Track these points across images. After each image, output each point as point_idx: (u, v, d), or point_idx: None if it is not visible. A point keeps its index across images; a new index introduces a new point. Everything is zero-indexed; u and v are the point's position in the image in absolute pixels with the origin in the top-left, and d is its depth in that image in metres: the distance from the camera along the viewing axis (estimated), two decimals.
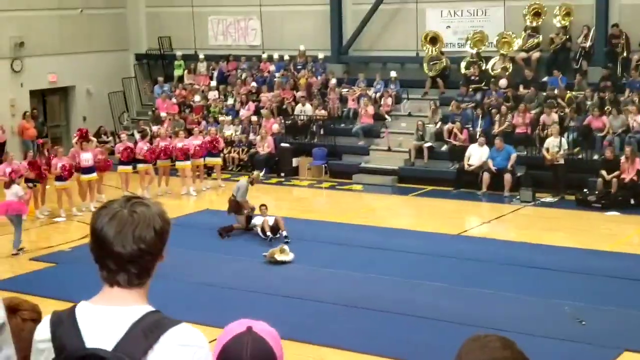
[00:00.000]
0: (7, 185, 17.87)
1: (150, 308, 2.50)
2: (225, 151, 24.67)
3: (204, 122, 25.96)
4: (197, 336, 2.48)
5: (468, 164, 21.76)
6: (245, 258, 16.32)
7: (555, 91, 22.81)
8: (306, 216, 19.44)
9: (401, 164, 23.38)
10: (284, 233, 17.18)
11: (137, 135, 23.99)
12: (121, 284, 2.48)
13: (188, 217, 19.58)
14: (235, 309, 13.00)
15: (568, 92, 22.59)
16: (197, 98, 27.57)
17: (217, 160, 23.39)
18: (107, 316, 2.46)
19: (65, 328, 2.47)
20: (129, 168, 21.98)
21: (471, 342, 2.22)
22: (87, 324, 2.46)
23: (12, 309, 3.07)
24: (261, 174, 20.98)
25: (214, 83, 28.14)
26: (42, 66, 27.11)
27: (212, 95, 27.66)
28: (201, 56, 29.00)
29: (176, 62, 29.42)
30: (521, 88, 23.65)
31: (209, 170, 23.76)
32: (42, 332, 2.54)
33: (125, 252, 2.43)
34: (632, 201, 19.68)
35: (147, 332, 2.41)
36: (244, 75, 27.77)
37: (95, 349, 2.40)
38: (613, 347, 11.60)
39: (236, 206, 18.18)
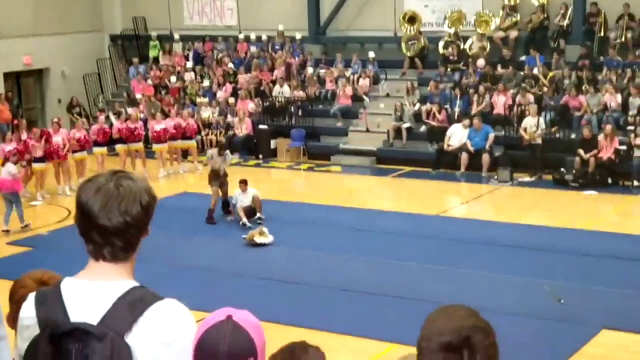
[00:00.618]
0: (2, 163, 18.28)
1: (136, 283, 2.49)
2: (202, 133, 24.56)
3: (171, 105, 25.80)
4: (182, 311, 2.48)
5: (448, 144, 21.76)
6: (225, 240, 16.25)
7: (535, 70, 22.80)
8: (285, 198, 19.39)
9: (380, 145, 23.36)
10: (258, 214, 17.10)
11: (113, 117, 23.84)
12: (107, 257, 2.47)
13: (166, 199, 19.44)
14: (215, 292, 12.97)
15: (550, 71, 22.55)
16: (173, 79, 27.37)
17: (192, 143, 23.28)
18: (92, 291, 2.45)
19: (50, 304, 2.47)
20: (104, 150, 21.93)
21: (437, 312, 2.28)
22: (72, 299, 2.45)
23: (44, 283, 3.37)
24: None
25: (189, 64, 27.94)
26: (16, 48, 26.79)
27: (188, 76, 27.46)
28: (176, 37, 28.78)
29: (151, 43, 29.18)
30: (499, 67, 23.65)
31: (185, 153, 23.68)
32: (27, 309, 2.53)
33: (111, 225, 2.42)
34: (610, 180, 19.78)
35: (132, 306, 2.41)
36: (220, 56, 27.60)
37: (80, 324, 2.38)
38: (592, 325, 11.66)
39: (209, 174, 17.90)
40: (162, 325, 2.41)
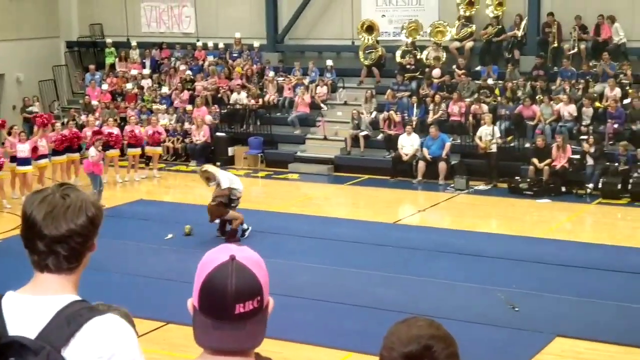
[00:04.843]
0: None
1: (77, 297, 2.47)
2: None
3: (129, 111, 25.64)
4: (121, 326, 2.47)
5: (404, 153, 21.91)
6: (181, 249, 16.16)
7: (489, 81, 23.05)
8: (242, 206, 19.24)
9: (337, 153, 23.42)
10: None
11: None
12: (51, 267, 2.45)
13: (122, 207, 19.36)
14: (170, 300, 12.88)
15: (510, 83, 22.73)
16: (129, 86, 27.23)
17: (157, 150, 23.29)
18: (32, 305, 2.43)
19: None
20: (63, 158, 21.68)
21: (399, 323, 2.30)
22: (12, 313, 2.43)
23: None
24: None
25: (146, 71, 27.82)
26: None
27: (145, 83, 27.34)
28: (133, 43, 28.64)
29: (107, 50, 28.99)
30: (456, 76, 23.83)
31: (147, 159, 23.62)
32: None
33: (56, 234, 2.41)
34: (563, 188, 20.03)
35: (70, 320, 2.39)
36: (177, 64, 27.51)
37: (17, 337, 2.36)
38: (545, 332, 11.79)
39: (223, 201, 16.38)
40: (100, 340, 2.39)
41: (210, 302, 2.30)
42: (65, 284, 2.48)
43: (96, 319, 2.41)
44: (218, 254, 2.36)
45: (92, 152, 19.77)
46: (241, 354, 2.35)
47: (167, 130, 24.97)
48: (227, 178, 16.48)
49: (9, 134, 20.52)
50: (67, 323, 2.38)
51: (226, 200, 16.32)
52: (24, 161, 20.17)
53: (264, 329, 2.38)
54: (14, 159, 20.12)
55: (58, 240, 2.42)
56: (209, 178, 16.67)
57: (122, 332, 2.45)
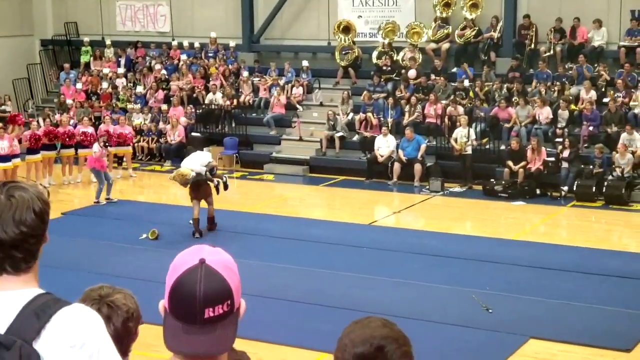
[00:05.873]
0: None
1: (41, 290, 2.47)
2: (134, 140, 24.31)
3: (104, 110, 25.47)
4: (90, 314, 2.47)
5: (380, 155, 21.91)
6: (155, 249, 16.07)
7: (465, 83, 23.10)
8: (217, 206, 19.16)
9: (312, 154, 23.38)
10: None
11: (41, 122, 23.52)
12: (8, 270, 2.45)
13: (97, 206, 19.23)
14: (144, 300, 12.77)
15: (486, 86, 22.81)
16: (104, 85, 27.04)
17: (127, 149, 23.12)
18: None
19: None
20: (38, 157, 21.50)
21: (353, 324, 2.31)
22: None
23: None
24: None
25: (121, 70, 27.65)
26: None
27: (120, 82, 27.17)
28: (108, 42, 28.46)
29: (83, 49, 28.80)
30: (432, 77, 23.84)
31: (119, 159, 23.47)
32: None
33: (8, 238, 2.41)
34: (538, 191, 20.10)
35: (39, 312, 2.39)
36: (152, 63, 27.36)
37: None
38: (519, 334, 11.80)
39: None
40: (70, 330, 2.39)
41: (180, 306, 2.29)
42: (26, 279, 2.48)
43: (64, 310, 2.41)
44: (189, 257, 2.34)
45: (95, 148, 19.87)
46: (211, 359, 2.32)
47: (141, 130, 24.84)
48: (197, 163, 16.36)
49: None
50: (35, 316, 2.38)
51: (207, 177, 16.41)
52: (3, 158, 20.05)
53: (235, 332, 2.36)
54: None
55: (12, 244, 2.42)
56: (186, 182, 16.59)
57: (91, 321, 2.46)
